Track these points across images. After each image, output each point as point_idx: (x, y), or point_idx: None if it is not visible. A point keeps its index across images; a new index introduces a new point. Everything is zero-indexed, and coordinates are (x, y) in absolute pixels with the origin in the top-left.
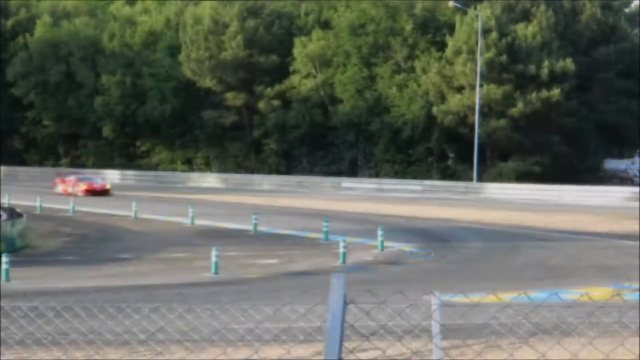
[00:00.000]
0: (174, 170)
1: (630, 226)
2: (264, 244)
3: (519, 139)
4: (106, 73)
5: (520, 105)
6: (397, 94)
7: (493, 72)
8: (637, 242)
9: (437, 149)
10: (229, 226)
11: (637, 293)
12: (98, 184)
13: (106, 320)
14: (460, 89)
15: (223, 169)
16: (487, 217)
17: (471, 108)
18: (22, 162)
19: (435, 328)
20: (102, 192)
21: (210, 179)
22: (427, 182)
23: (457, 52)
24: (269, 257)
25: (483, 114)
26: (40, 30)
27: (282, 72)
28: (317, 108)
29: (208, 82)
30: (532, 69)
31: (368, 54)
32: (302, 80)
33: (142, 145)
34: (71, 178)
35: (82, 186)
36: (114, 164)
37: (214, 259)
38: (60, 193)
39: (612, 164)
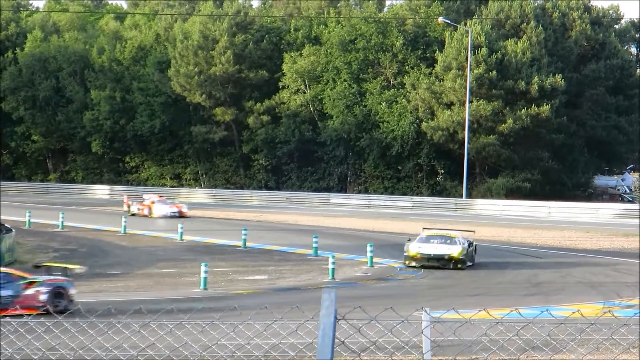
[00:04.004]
0: (163, 185)
1: (619, 243)
2: (254, 259)
3: (509, 155)
4: (95, 88)
5: (509, 121)
6: (386, 109)
7: (483, 88)
8: (627, 259)
9: (426, 165)
10: (218, 242)
11: (627, 310)
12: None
13: (96, 335)
14: (449, 105)
15: (212, 185)
16: (476, 233)
17: (461, 124)
18: (12, 177)
19: (426, 344)
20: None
21: (199, 195)
22: (417, 199)
23: (447, 68)
24: (259, 272)
25: (472, 130)
26: (30, 44)
27: (271, 87)
28: (307, 124)
29: (197, 97)
30: (521, 85)
31: (358, 69)
32: (292, 96)
33: (131, 161)
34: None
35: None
36: (102, 179)
37: (203, 275)
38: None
39: (602, 181)
